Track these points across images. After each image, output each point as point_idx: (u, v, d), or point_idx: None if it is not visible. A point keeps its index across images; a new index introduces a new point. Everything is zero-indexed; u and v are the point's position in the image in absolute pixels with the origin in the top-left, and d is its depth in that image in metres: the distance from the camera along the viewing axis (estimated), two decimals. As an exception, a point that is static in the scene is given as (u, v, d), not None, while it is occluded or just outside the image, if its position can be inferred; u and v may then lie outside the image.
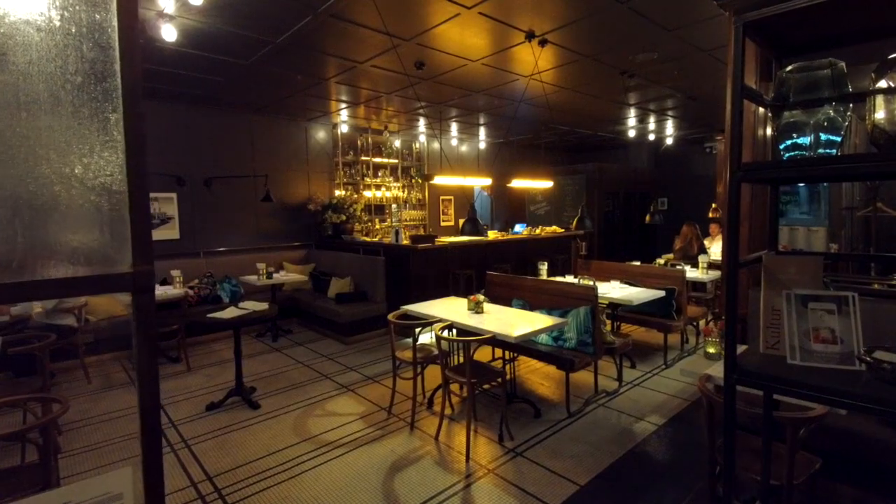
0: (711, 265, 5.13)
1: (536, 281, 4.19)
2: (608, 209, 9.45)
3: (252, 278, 5.81)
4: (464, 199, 9.66)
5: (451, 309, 3.67)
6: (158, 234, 6.07)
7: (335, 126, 7.56)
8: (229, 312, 3.82)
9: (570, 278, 4.70)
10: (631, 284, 4.57)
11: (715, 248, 6.37)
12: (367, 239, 7.17)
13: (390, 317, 3.45)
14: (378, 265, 5.78)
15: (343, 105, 6.30)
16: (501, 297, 4.25)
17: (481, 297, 3.52)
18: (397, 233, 6.11)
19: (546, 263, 4.79)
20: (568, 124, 7.85)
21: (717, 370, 2.23)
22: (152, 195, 5.96)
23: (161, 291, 4.97)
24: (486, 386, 3.83)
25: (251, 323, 3.88)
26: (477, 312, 3.48)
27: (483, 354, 4.45)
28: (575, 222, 4.80)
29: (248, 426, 3.45)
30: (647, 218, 5.79)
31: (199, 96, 5.74)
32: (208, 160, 6.41)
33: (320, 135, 7.52)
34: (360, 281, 6.05)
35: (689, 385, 4.00)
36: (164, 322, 4.90)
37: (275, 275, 5.98)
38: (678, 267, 5.06)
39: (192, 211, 6.32)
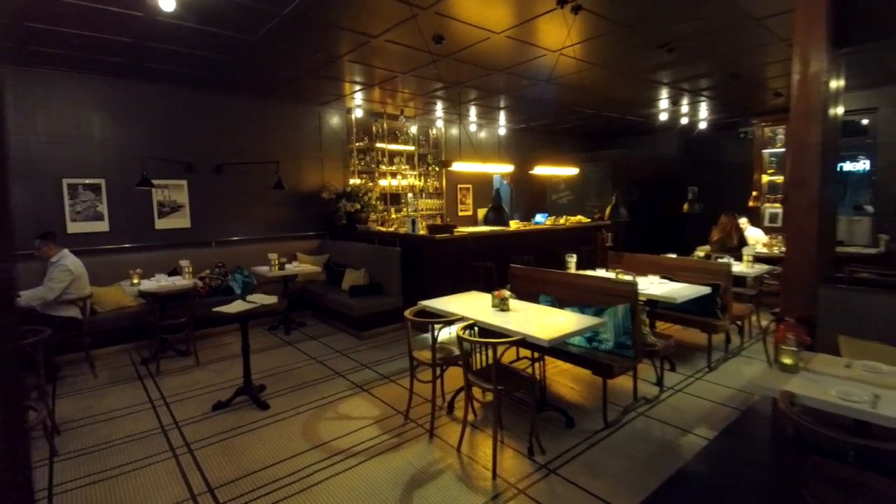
0: (758, 258, 4.68)
1: (565, 275, 3.83)
2: (634, 198, 8.95)
3: (264, 269, 5.58)
4: (482, 187, 9.29)
5: (472, 305, 3.35)
6: (169, 223, 5.88)
7: (349, 111, 7.25)
8: (236, 306, 3.57)
9: (601, 272, 4.32)
10: (669, 279, 4.18)
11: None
12: (383, 229, 6.89)
13: (407, 314, 3.15)
14: (393, 256, 5.48)
15: (357, 87, 5.97)
16: (526, 293, 3.90)
17: (507, 293, 3.18)
18: (413, 222, 5.80)
19: (575, 256, 4.42)
20: (594, 107, 7.38)
21: (801, 387, 1.86)
22: (162, 182, 5.76)
23: (169, 282, 4.76)
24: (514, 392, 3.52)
25: (258, 317, 3.64)
26: (502, 310, 3.15)
27: (506, 353, 4.12)
28: (608, 211, 4.40)
29: (255, 429, 3.21)
30: (686, 207, 5.34)
31: (206, 78, 5.48)
32: (219, 146, 6.17)
33: (334, 120, 7.22)
34: (374, 273, 5.77)
35: (738, 392, 3.62)
36: (173, 314, 4.70)
37: (287, 266, 5.74)
38: (723, 260, 4.63)
39: (203, 199, 6.10)
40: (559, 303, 3.66)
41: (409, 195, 8.02)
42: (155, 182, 5.67)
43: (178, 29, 3.84)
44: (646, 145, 10.24)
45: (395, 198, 7.87)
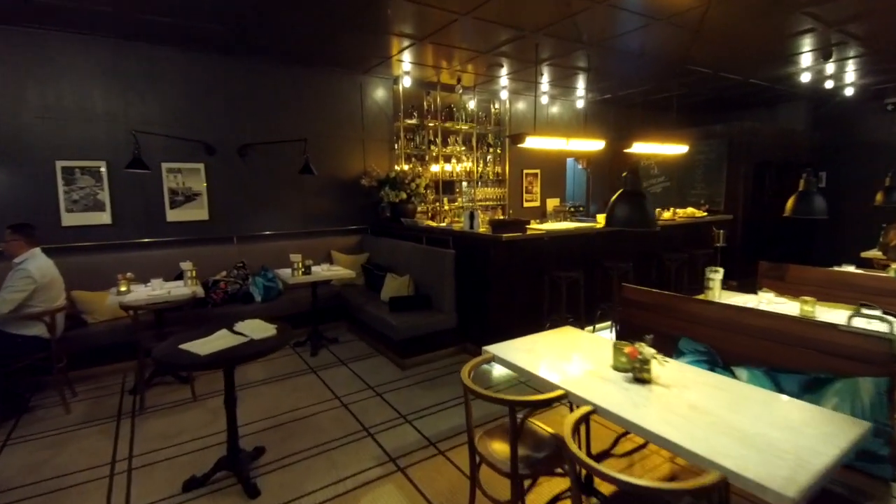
0: None
1: (730, 310, 2.33)
2: (751, 187, 7.01)
3: (287, 272, 4.50)
4: (553, 172, 7.75)
5: (573, 359, 1.99)
6: (183, 215, 4.95)
7: (396, 80, 6.02)
8: (216, 341, 2.43)
9: (766, 298, 2.77)
10: (883, 312, 2.57)
11: None
12: (434, 224, 5.63)
13: (464, 375, 1.86)
14: (446, 261, 4.20)
15: (405, 42, 4.69)
16: (647, 329, 2.46)
17: (648, 351, 1.78)
18: (472, 216, 4.47)
19: (720, 271, 2.88)
20: (712, 66, 5.61)
21: None
22: (174, 166, 4.84)
23: (164, 291, 3.77)
24: None
25: (241, 361, 2.47)
26: (640, 381, 1.77)
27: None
28: (791, 202, 2.78)
29: (230, 538, 2.07)
30: (879, 197, 3.61)
31: (227, 40, 4.44)
32: (244, 125, 5.15)
33: (378, 93, 6.02)
34: (421, 281, 4.52)
35: None
36: (166, 333, 3.72)
37: (314, 269, 4.64)
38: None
39: (224, 186, 5.13)
40: (719, 356, 2.20)
41: (464, 183, 6.70)
42: (166, 165, 4.78)
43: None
44: (763, 120, 8.17)
45: (447, 186, 6.58)
